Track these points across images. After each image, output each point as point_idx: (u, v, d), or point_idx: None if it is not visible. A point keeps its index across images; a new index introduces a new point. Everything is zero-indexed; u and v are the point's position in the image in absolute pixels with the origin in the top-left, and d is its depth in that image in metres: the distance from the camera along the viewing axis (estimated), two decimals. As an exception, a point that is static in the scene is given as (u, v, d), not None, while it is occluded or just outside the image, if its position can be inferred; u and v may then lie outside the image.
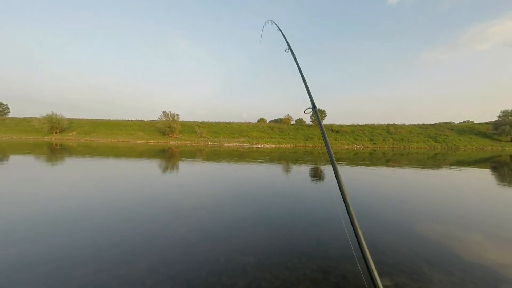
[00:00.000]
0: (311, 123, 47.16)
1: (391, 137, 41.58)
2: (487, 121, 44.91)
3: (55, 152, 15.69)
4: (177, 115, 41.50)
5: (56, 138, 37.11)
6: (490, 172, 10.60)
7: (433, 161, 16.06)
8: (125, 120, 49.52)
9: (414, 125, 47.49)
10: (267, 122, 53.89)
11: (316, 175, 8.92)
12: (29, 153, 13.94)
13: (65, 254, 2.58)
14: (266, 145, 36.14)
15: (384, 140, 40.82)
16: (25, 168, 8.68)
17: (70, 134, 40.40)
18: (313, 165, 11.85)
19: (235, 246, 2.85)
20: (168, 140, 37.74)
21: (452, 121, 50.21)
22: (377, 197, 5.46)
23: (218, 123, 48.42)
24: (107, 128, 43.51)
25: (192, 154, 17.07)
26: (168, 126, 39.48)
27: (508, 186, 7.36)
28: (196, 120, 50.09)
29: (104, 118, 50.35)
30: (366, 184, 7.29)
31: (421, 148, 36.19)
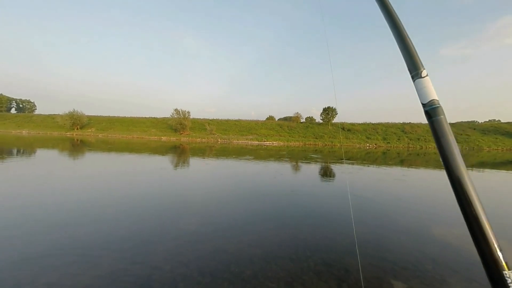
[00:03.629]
0: (321, 121, 46.31)
1: (406, 136, 39.84)
2: (515, 120, 41.54)
3: (76, 147, 16.80)
4: (188, 112, 42.52)
5: (77, 134, 39.46)
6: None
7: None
8: (139, 117, 51.49)
9: (432, 123, 44.96)
10: (276, 120, 53.65)
11: (326, 174, 8.87)
12: (53, 147, 15.05)
13: (93, 242, 2.86)
14: (274, 143, 36.10)
15: (398, 139, 39.22)
16: (50, 162, 9.43)
17: (90, 130, 42.76)
18: (322, 164, 11.77)
19: (243, 239, 3.00)
20: (179, 136, 38.83)
21: (475, 120, 47.04)
22: (392, 198, 5.39)
23: (227, 121, 48.97)
24: (122, 125, 45.54)
25: (202, 151, 17.53)
26: (179, 123, 40.60)
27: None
28: (206, 117, 51.01)
29: (120, 115, 52.71)
30: (381, 184, 7.17)
31: (439, 148, 34.28)
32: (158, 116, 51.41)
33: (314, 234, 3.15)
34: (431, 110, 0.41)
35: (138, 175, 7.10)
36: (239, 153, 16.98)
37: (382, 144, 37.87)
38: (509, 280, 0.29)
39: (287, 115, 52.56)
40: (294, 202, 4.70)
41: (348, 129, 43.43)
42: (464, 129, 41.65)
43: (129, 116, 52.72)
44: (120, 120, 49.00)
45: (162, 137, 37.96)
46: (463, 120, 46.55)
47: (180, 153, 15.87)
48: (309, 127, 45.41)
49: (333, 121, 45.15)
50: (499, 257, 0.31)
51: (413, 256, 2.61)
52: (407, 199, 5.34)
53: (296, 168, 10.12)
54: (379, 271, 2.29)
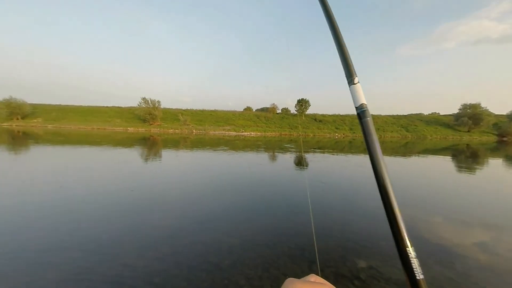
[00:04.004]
0: (295, 112, 48.00)
1: (369, 127, 44.24)
2: (450, 113, 49.53)
3: (17, 140, 14.21)
4: (158, 102, 39.46)
5: (18, 125, 33.33)
6: (451, 160, 11.98)
7: (405, 149, 17.58)
8: (100, 107, 45.85)
9: (389, 115, 50.77)
10: (253, 110, 53.78)
11: (299, 163, 9.36)
12: (-13, 142, 12.49)
13: (52, 241, 2.56)
14: (252, 133, 36.32)
15: (363, 129, 43.18)
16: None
17: (35, 120, 36.51)
18: (296, 154, 12.34)
19: (221, 230, 3.03)
20: (149, 127, 36.02)
21: (421, 112, 54.69)
22: (353, 184, 5.99)
23: (202, 111, 47.17)
24: (78, 115, 40.00)
25: (176, 143, 16.63)
26: (148, 113, 37.53)
27: (464, 171, 8.47)
28: (180, 107, 48.33)
29: (74, 104, 46.13)
30: (344, 171, 7.87)
31: (394, 137, 39.09)
32: (123, 106, 46.58)
33: (289, 221, 3.35)
34: (361, 113, 0.48)
35: (100, 170, 6.43)
36: (215, 144, 16.61)
37: (349, 134, 41.31)
38: (411, 255, 0.36)
39: (263, 106, 53.15)
40: (270, 192, 4.89)
41: (320, 120, 45.97)
42: (413, 120, 47.94)
43: (86, 105, 46.50)
44: (75, 109, 42.93)
45: (128, 128, 34.69)
46: (413, 113, 53.59)
47: (150, 145, 14.78)
48: (284, 118, 46.66)
49: (306, 112, 47.16)
50: (405, 235, 0.37)
51: (371, 236, 3.00)
52: (366, 185, 6.02)
53: (272, 158, 10.42)
54: (344, 251, 2.59)
